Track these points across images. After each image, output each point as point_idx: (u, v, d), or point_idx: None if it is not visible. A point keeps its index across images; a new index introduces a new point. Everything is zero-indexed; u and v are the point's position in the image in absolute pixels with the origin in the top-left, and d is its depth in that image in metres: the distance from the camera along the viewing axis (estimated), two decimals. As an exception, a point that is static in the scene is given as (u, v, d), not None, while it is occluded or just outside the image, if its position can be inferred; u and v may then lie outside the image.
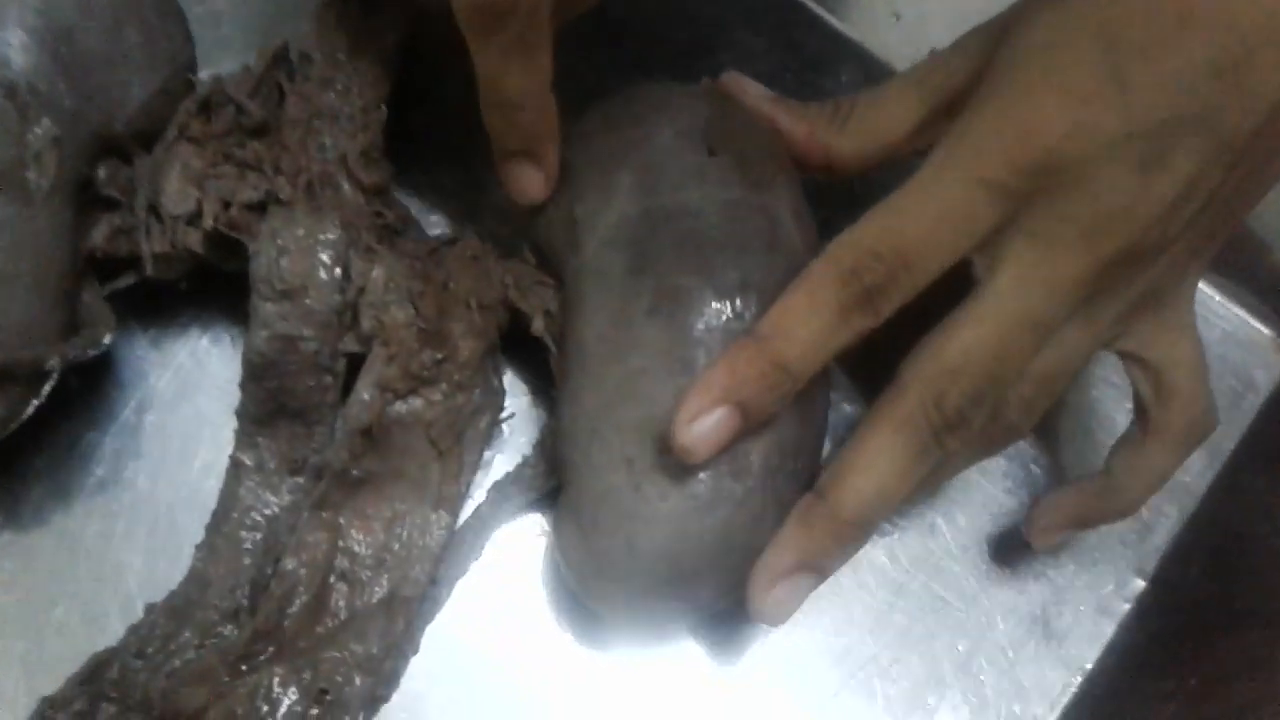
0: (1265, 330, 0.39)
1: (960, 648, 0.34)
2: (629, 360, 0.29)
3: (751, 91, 0.34)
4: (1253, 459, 0.36)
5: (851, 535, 0.29)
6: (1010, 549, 0.35)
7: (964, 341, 0.28)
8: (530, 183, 0.32)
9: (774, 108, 0.34)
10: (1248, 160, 0.27)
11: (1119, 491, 0.31)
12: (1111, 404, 0.37)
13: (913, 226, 0.28)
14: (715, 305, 0.29)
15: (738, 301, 0.29)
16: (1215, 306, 0.39)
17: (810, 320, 0.28)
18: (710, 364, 0.28)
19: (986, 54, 0.29)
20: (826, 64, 0.41)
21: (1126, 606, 0.35)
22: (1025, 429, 0.29)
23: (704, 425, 0.27)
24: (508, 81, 0.29)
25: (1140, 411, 0.31)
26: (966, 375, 0.28)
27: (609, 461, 0.29)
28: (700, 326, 0.29)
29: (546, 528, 0.34)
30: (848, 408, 0.36)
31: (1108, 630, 0.35)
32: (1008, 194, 0.27)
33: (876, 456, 0.28)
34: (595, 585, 0.30)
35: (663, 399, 0.28)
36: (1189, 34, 0.26)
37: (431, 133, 0.39)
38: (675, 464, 0.28)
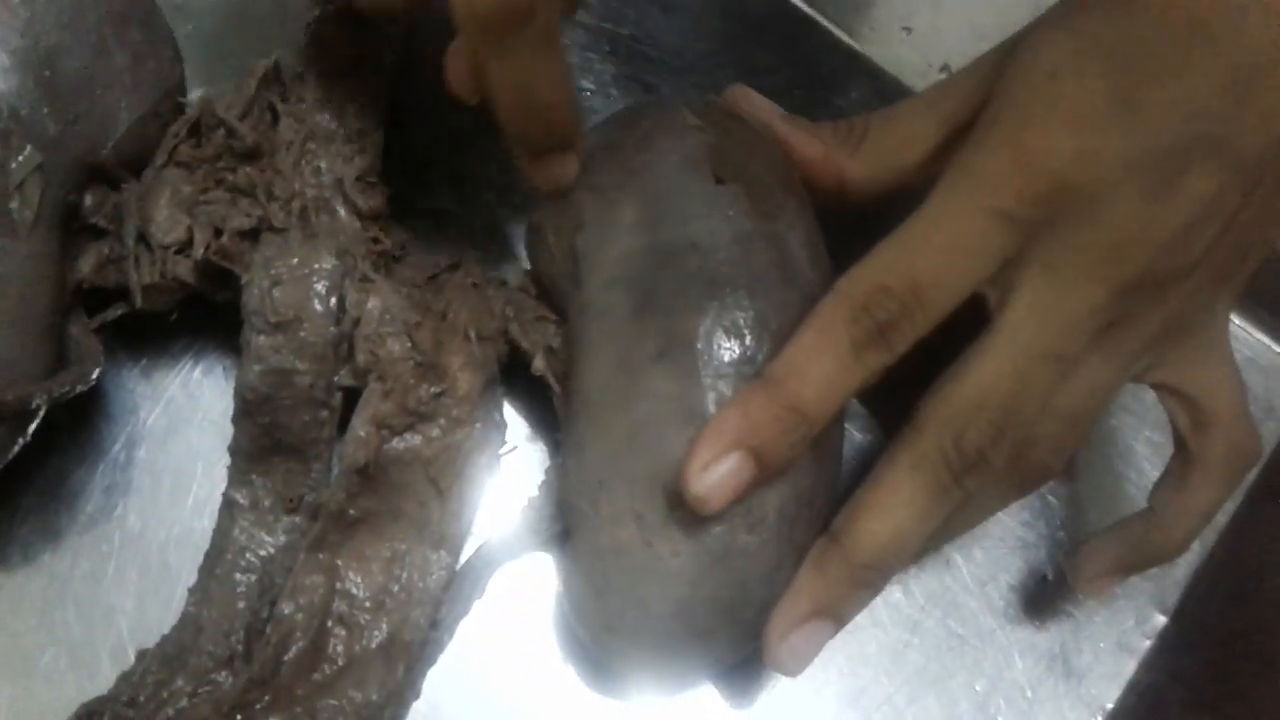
0: (1286, 354, 0.38)
1: (978, 687, 0.33)
2: (636, 408, 0.28)
3: (760, 106, 0.33)
4: (1276, 489, 0.35)
5: (868, 580, 0.28)
6: (1028, 584, 0.34)
7: (980, 377, 0.27)
8: (567, 170, 0.30)
9: (785, 126, 0.33)
10: (1267, 181, 0.27)
11: (1165, 531, 0.30)
12: (1130, 433, 0.36)
13: (923, 259, 0.27)
14: (726, 349, 0.28)
15: (750, 343, 0.28)
16: (1234, 330, 0.38)
17: (823, 360, 0.27)
18: (721, 409, 0.27)
19: (998, 74, 0.29)
20: (836, 80, 0.40)
21: (1148, 643, 0.34)
22: (1057, 467, 0.28)
23: (717, 474, 0.26)
24: (539, 81, 0.27)
25: (1180, 445, 0.30)
26: (985, 412, 0.27)
27: (617, 515, 0.28)
28: (710, 372, 0.28)
29: (554, 566, 0.33)
30: (859, 436, 0.35)
31: (1129, 668, 0.34)
32: (1017, 223, 0.26)
33: (893, 497, 0.27)
34: (607, 642, 0.29)
35: (672, 450, 0.27)
36: (1200, 53, 0.25)
37: (430, 153, 0.38)
38: (687, 518, 0.27)
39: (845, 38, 0.41)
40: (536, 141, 0.29)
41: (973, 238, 0.27)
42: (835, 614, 0.28)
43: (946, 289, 0.27)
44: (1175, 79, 0.25)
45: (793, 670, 0.28)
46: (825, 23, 0.41)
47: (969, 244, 0.27)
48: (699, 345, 0.28)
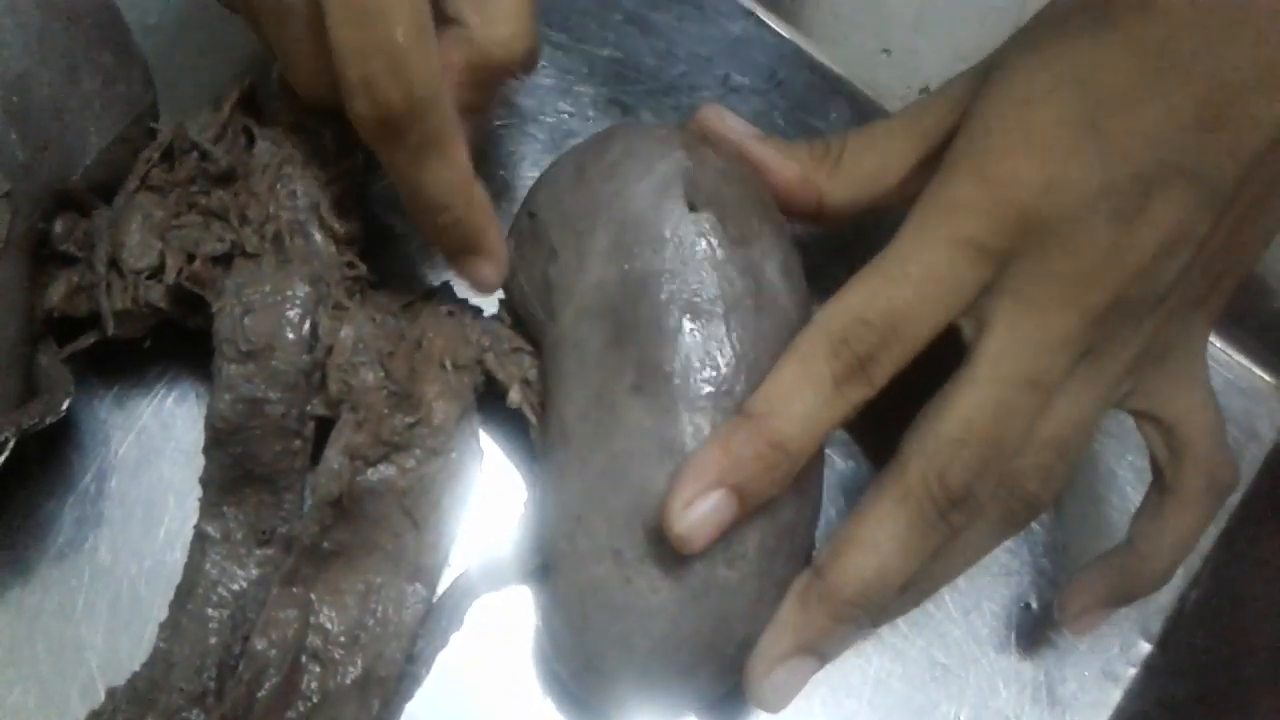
0: (1268, 378, 0.38)
1: (962, 717, 0.33)
2: (612, 442, 0.28)
3: (734, 127, 0.33)
4: (1258, 514, 0.35)
5: (851, 616, 0.27)
6: (1012, 612, 0.34)
7: (961, 411, 0.27)
8: (484, 274, 0.31)
9: (760, 147, 0.32)
10: (1238, 207, 0.27)
11: (1145, 562, 0.30)
12: (1112, 457, 0.36)
13: (899, 291, 0.27)
14: (702, 380, 0.27)
15: (726, 374, 0.28)
16: (1215, 353, 0.38)
17: (805, 394, 0.27)
18: (702, 445, 0.27)
19: (972, 98, 0.29)
20: (815, 102, 0.40)
21: (1132, 671, 0.34)
22: (1048, 499, 0.28)
23: (699, 511, 0.26)
24: (426, 185, 0.28)
25: (1157, 473, 0.30)
26: (968, 447, 0.27)
27: (595, 552, 0.27)
28: (687, 404, 0.27)
29: (533, 598, 0.32)
30: (841, 464, 0.35)
31: (1114, 697, 0.33)
32: (989, 254, 0.26)
33: (877, 533, 0.27)
34: (589, 681, 0.29)
35: (650, 485, 0.27)
36: (1167, 83, 0.25)
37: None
38: (666, 553, 0.27)
39: (824, 60, 0.40)
40: (441, 242, 0.30)
41: (946, 269, 0.27)
42: (818, 650, 0.28)
43: (923, 321, 0.27)
44: (1143, 107, 0.25)
45: (775, 707, 0.28)
46: (804, 45, 0.40)
47: (943, 275, 0.27)
48: (675, 378, 0.27)
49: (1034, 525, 0.35)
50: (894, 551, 0.27)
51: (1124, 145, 0.25)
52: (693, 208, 0.29)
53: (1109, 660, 0.34)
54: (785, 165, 0.32)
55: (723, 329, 0.28)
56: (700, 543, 0.26)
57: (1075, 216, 0.26)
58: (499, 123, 0.38)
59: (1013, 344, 0.27)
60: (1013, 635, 0.34)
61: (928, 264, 0.27)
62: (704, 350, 0.28)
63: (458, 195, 0.29)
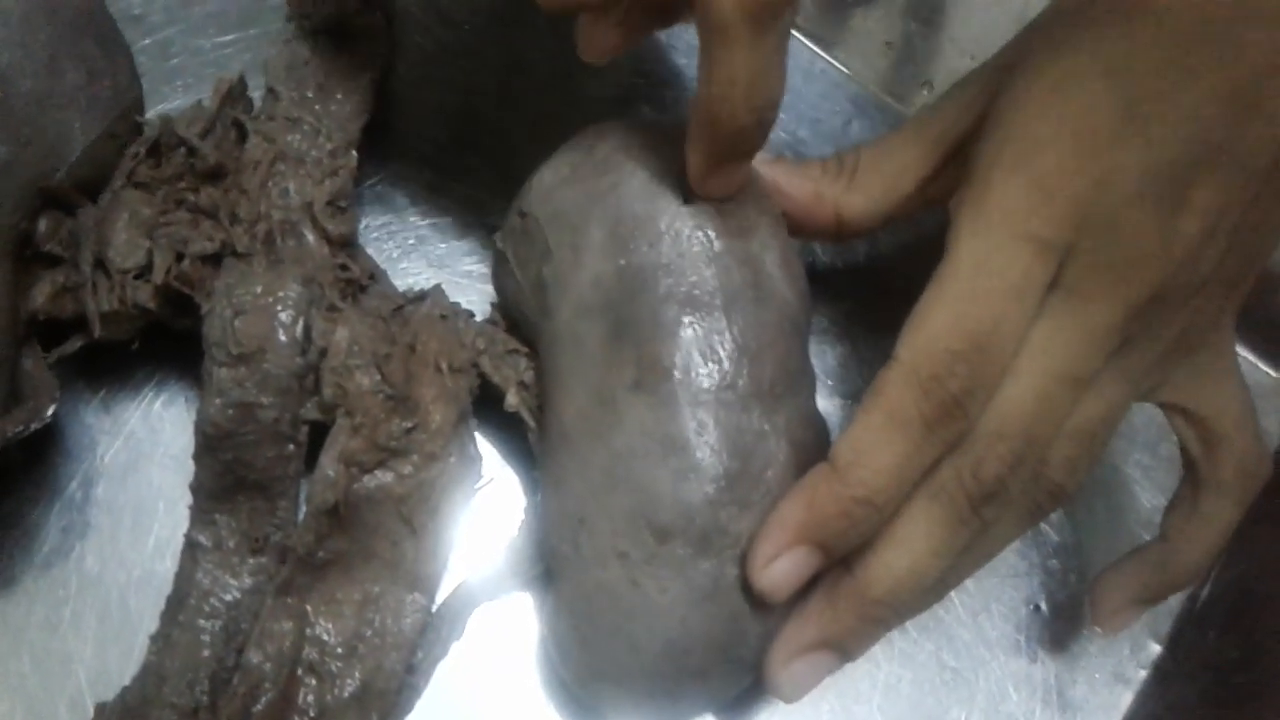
0: (1274, 374, 0.38)
1: (972, 722, 0.32)
2: (614, 441, 0.27)
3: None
4: (1268, 512, 0.35)
5: (880, 616, 0.27)
6: (1021, 614, 0.33)
7: (1002, 405, 0.26)
8: (743, 176, 0.29)
9: (773, 170, 0.32)
10: (1269, 190, 0.26)
11: (1179, 557, 0.30)
12: (1120, 456, 0.36)
13: (979, 310, 0.26)
14: (704, 374, 0.27)
15: (728, 367, 0.27)
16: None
17: (895, 444, 0.26)
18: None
19: (990, 95, 0.28)
20: (816, 96, 0.39)
21: (1143, 674, 0.33)
22: (1071, 490, 0.27)
23: (781, 569, 0.26)
24: (773, 79, 0.26)
25: (1189, 466, 0.30)
26: (1004, 440, 0.26)
27: (600, 555, 0.27)
28: (689, 399, 0.27)
29: (536, 605, 0.31)
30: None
31: (1125, 699, 0.33)
32: (1054, 249, 0.26)
33: (910, 529, 0.26)
34: (597, 688, 0.28)
35: (654, 483, 0.26)
36: (1201, 63, 0.25)
37: (403, 177, 0.37)
38: (673, 553, 0.26)
39: (824, 54, 0.40)
40: (737, 143, 0.27)
41: (1019, 272, 0.26)
42: (841, 647, 0.27)
43: (1009, 334, 0.26)
44: (1181, 92, 0.25)
45: (791, 697, 0.28)
46: (804, 39, 0.40)
47: (1016, 281, 0.26)
48: (676, 373, 0.27)
49: (1042, 526, 0.35)
50: (927, 550, 0.26)
51: (1164, 130, 0.25)
52: (688, 200, 0.28)
53: (1120, 662, 0.33)
54: (800, 185, 0.32)
55: (723, 322, 0.27)
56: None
57: (1123, 206, 0.25)
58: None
59: (1057, 339, 0.26)
60: (1022, 638, 0.33)
61: (998, 270, 0.25)
62: (705, 344, 0.27)
63: (782, 92, 0.27)
